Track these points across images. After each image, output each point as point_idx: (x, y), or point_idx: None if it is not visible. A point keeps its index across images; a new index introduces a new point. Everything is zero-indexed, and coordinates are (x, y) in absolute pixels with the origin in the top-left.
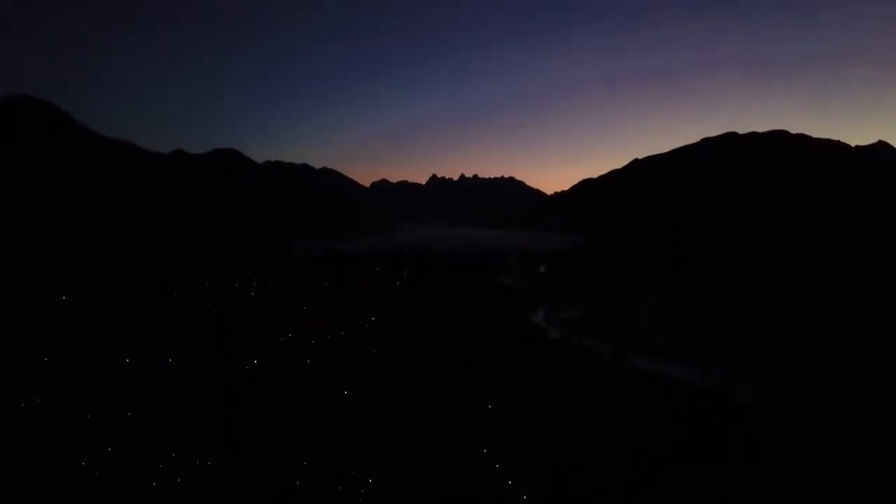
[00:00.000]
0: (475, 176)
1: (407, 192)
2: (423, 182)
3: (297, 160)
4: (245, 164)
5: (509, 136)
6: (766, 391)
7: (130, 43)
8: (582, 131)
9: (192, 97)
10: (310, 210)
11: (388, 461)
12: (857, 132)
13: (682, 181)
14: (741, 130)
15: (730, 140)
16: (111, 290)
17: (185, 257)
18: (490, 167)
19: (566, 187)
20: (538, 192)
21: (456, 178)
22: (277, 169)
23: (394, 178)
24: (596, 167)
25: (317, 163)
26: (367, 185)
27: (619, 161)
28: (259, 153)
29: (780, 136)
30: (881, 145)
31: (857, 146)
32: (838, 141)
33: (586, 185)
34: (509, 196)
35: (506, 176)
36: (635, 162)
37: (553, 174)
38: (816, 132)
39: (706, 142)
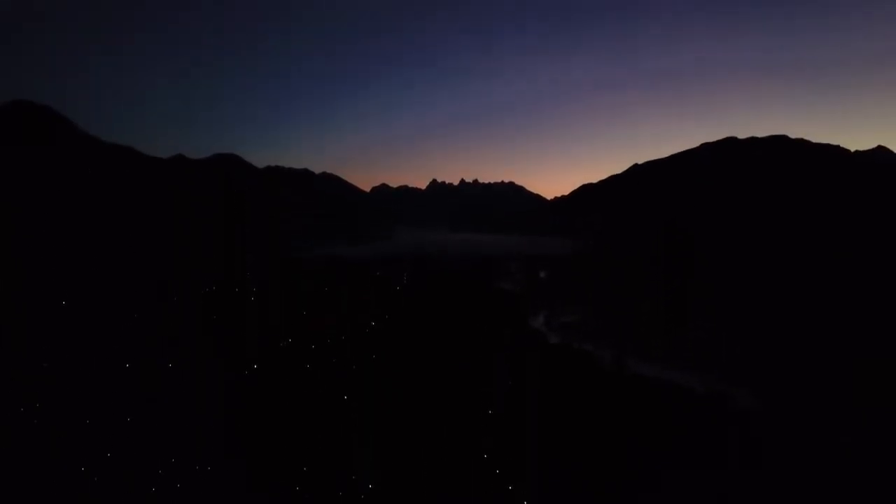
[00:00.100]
0: (475, 181)
1: (407, 197)
2: (423, 187)
3: (298, 165)
4: (245, 169)
5: (509, 142)
6: (766, 395)
7: (131, 49)
8: (582, 136)
9: (192, 102)
10: (310, 215)
11: (389, 466)
12: (856, 137)
13: (682, 186)
14: (741, 135)
15: (729, 145)
16: (111, 294)
17: (185, 262)
18: (490, 172)
19: (566, 192)
20: (538, 197)
21: (456, 182)
22: (277, 174)
23: (394, 182)
24: (596, 172)
25: (317, 167)
26: (368, 189)
27: (618, 166)
28: (259, 158)
29: (779, 140)
30: (881, 150)
31: (856, 151)
32: (838, 146)
33: (586, 189)
34: (509, 201)
35: (506, 181)
36: (635, 167)
37: (553, 179)
38: (816, 137)
39: (706, 147)
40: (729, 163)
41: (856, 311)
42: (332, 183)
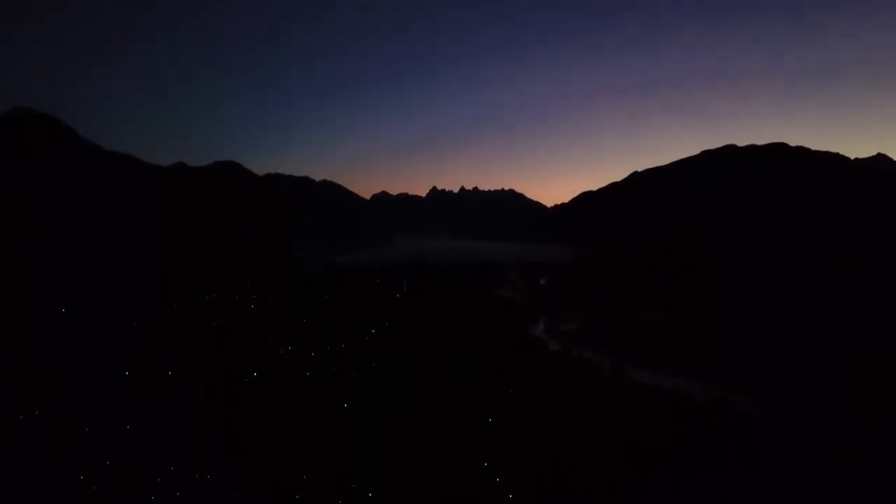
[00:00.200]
0: (475, 188)
1: (407, 205)
2: (424, 194)
3: (298, 172)
4: (245, 177)
5: (509, 149)
6: (766, 401)
7: (131, 57)
8: (581, 144)
9: (193, 110)
10: (310, 222)
11: (388, 474)
12: (856, 145)
13: (682, 194)
14: (740, 143)
15: (729, 152)
16: (111, 301)
17: (185, 269)
18: (490, 180)
19: (566, 200)
20: (538, 205)
21: (456, 190)
22: (278, 181)
23: (394, 190)
24: (595, 180)
25: (317, 175)
26: (368, 197)
27: (618, 174)
28: (259, 166)
29: (779, 148)
30: (880, 158)
31: (856, 159)
32: (837, 153)
33: (586, 197)
34: (509, 208)
35: (506, 188)
36: (635, 174)
37: (553, 187)
38: (816, 144)
39: (706, 154)
40: (729, 170)
41: (856, 317)
42: (333, 190)
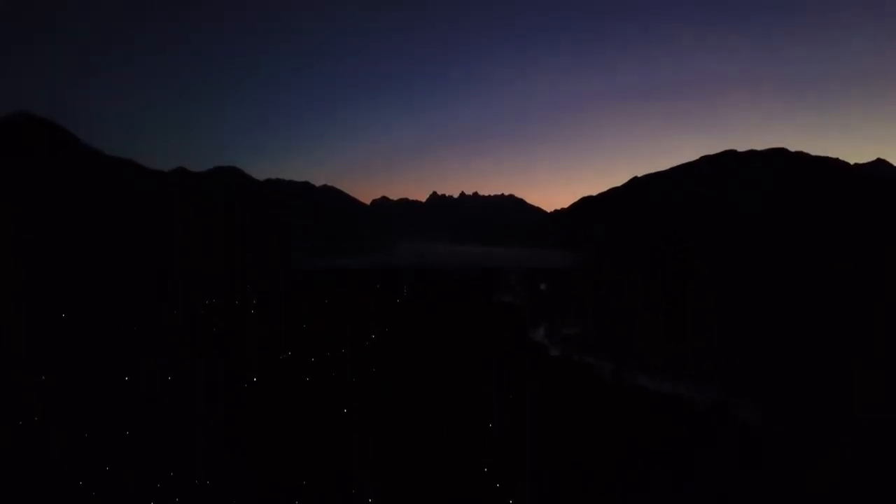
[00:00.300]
0: (475, 194)
1: (407, 210)
2: (424, 199)
3: (298, 178)
4: (246, 182)
5: (509, 155)
6: (766, 404)
7: (132, 62)
8: (581, 149)
9: (193, 115)
10: (310, 227)
11: (389, 480)
12: (856, 150)
13: (682, 199)
14: (740, 148)
15: (729, 158)
16: (112, 306)
17: (186, 274)
18: (490, 185)
19: (566, 205)
20: (538, 210)
21: (456, 195)
22: (278, 186)
23: (394, 195)
24: (595, 185)
25: (317, 180)
26: (368, 202)
27: (618, 179)
28: (260, 171)
29: (779, 153)
30: (880, 163)
31: (855, 164)
32: (837, 158)
33: (586, 202)
34: (509, 214)
35: (506, 194)
36: (634, 180)
37: (553, 192)
38: (815, 150)
39: (705, 159)
40: (728, 176)
41: (855, 320)
42: (333, 195)
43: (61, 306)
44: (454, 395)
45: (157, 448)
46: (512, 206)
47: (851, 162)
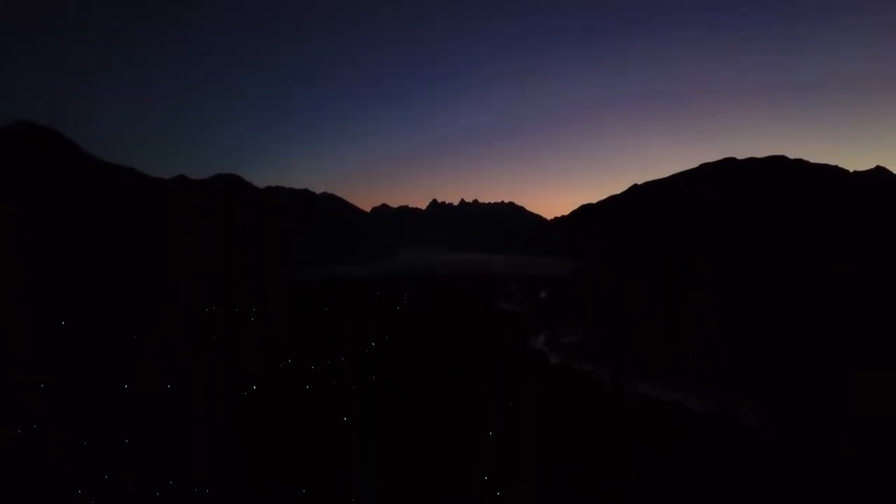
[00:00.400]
0: (475, 201)
1: (407, 217)
2: (424, 207)
3: (298, 185)
4: (246, 190)
5: (509, 162)
6: (766, 409)
7: (133, 69)
8: (581, 157)
9: (193, 123)
10: (311, 235)
11: (389, 488)
12: (855, 157)
13: (682, 206)
14: (740, 156)
15: (728, 165)
16: (112, 313)
17: (186, 281)
18: (490, 192)
19: (566, 212)
20: (538, 217)
21: (456, 202)
22: (278, 194)
23: (394, 202)
24: (595, 192)
25: (318, 188)
26: (368, 209)
27: (618, 186)
28: (260, 178)
29: (778, 161)
30: (880, 170)
31: (855, 171)
32: (836, 166)
33: (586, 210)
34: (509, 221)
35: (506, 201)
36: (634, 187)
37: (553, 199)
38: (815, 157)
39: (705, 167)
40: (728, 183)
41: (857, 330)
42: (333, 203)
43: (62, 313)
44: (454, 403)
45: (157, 456)
46: (512, 214)
47: (851, 169)
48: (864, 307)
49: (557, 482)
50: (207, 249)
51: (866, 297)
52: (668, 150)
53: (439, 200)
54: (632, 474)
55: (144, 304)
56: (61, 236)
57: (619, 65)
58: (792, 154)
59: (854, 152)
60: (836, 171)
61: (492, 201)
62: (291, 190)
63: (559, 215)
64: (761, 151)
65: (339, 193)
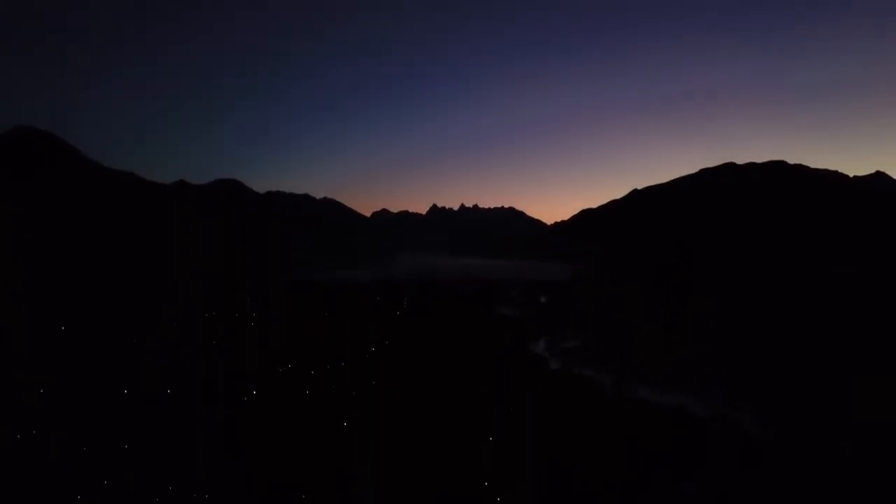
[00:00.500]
0: (475, 206)
1: (407, 222)
2: (424, 212)
3: (298, 190)
4: (246, 194)
5: (509, 167)
6: (767, 414)
7: (132, 75)
8: (581, 162)
9: (193, 128)
10: (310, 240)
11: (389, 493)
12: (855, 162)
13: (682, 211)
14: (740, 160)
15: (728, 170)
16: (111, 318)
17: (186, 286)
18: (490, 197)
19: (566, 217)
20: (538, 222)
21: (456, 207)
22: (278, 199)
23: (394, 207)
24: (595, 197)
25: (317, 192)
26: (368, 214)
27: (618, 191)
28: (260, 183)
29: (778, 166)
30: (880, 175)
31: (855, 176)
32: (836, 171)
33: (586, 215)
34: (509, 226)
35: (506, 206)
36: (634, 192)
37: (553, 204)
38: (815, 162)
39: (705, 172)
40: (728, 188)
41: (857, 337)
42: (333, 208)
43: (62, 318)
44: (454, 408)
45: (156, 461)
46: (512, 218)
47: (851, 174)
48: (864, 312)
49: (558, 488)
50: (207, 254)
51: (866, 301)
52: (668, 154)
53: (439, 205)
54: (631, 475)
55: (145, 310)
56: (61, 242)
57: (619, 69)
58: (792, 159)
59: (854, 157)
60: (836, 175)
61: (492, 206)
62: (291, 194)
63: (559, 220)
64: (761, 156)
65: (339, 198)
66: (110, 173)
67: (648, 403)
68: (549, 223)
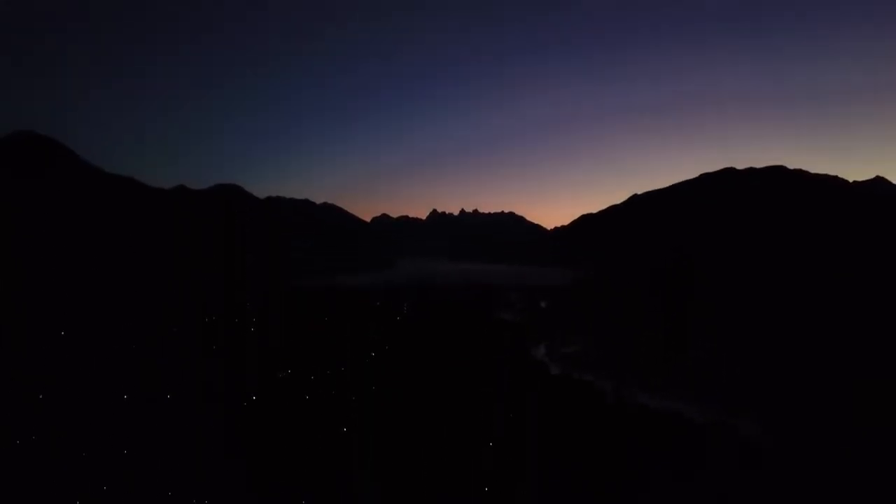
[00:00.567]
0: (475, 211)
1: (407, 227)
2: (424, 217)
3: (299, 195)
4: (246, 199)
5: (509, 172)
6: (767, 419)
7: (132, 80)
8: (581, 167)
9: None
10: (311, 245)
11: (390, 498)
12: (855, 167)
13: (682, 216)
14: (739, 166)
15: (728, 175)
16: (111, 323)
17: (186, 291)
18: (490, 202)
19: (566, 222)
20: (538, 227)
21: (456, 213)
22: (278, 204)
23: (394, 212)
24: (595, 202)
25: (318, 198)
26: (368, 219)
27: (618, 196)
28: (260, 188)
29: (777, 171)
30: (879, 180)
31: (854, 181)
32: (836, 176)
33: (586, 220)
34: (509, 231)
35: (506, 211)
36: (634, 197)
37: (553, 209)
38: (814, 167)
39: (705, 177)
40: (728, 193)
41: (856, 339)
42: (333, 213)
43: (62, 323)
44: (455, 413)
45: (155, 467)
46: (512, 224)
47: (850, 179)
48: (863, 316)
49: (558, 495)
50: (208, 259)
51: (866, 306)
52: (667, 160)
53: (439, 210)
54: (631, 479)
55: (145, 315)
56: (62, 247)
57: (620, 73)
58: (791, 164)
59: (853, 163)
60: (835, 181)
61: (492, 211)
62: (292, 200)
63: (559, 225)
64: (761, 161)
65: (340, 203)
66: (110, 178)
67: (648, 408)
68: (548, 228)
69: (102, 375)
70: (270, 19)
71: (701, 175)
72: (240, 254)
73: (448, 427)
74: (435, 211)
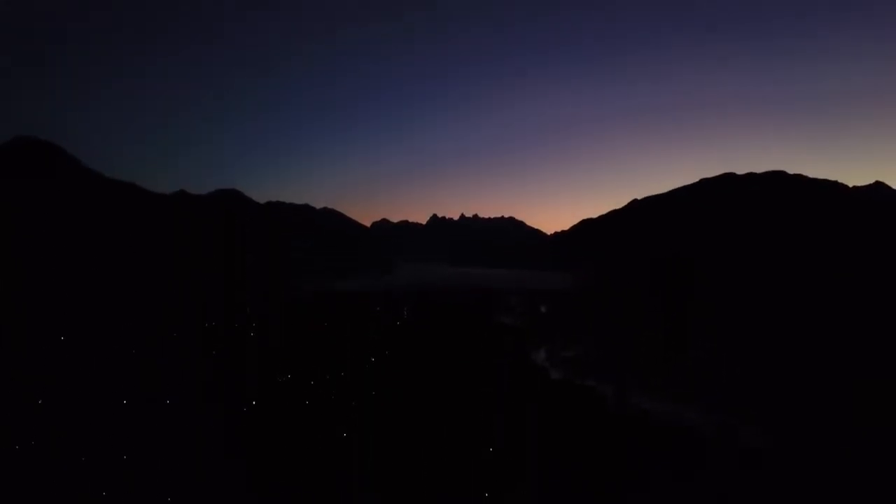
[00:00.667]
0: (475, 216)
1: (407, 232)
2: (424, 222)
3: (298, 200)
4: (246, 205)
5: (509, 177)
6: (768, 422)
7: (132, 85)
8: (581, 172)
9: (194, 138)
10: (310, 250)
11: (390, 502)
12: (854, 172)
13: (681, 221)
14: (739, 171)
15: (728, 180)
16: (112, 328)
17: (186, 296)
18: (490, 207)
19: (566, 227)
20: (538, 232)
21: (456, 217)
22: (278, 209)
23: (394, 217)
24: (595, 207)
25: (318, 203)
26: (368, 224)
27: (618, 201)
28: (260, 194)
29: (777, 176)
30: (879, 185)
31: (854, 186)
32: (836, 181)
33: (586, 224)
34: (509, 236)
35: (506, 216)
36: (634, 202)
37: (553, 214)
38: (814, 172)
39: (704, 182)
40: (727, 198)
41: (855, 341)
42: (333, 218)
43: (63, 329)
44: (455, 418)
45: (155, 473)
46: (512, 228)
47: (850, 184)
48: (863, 319)
49: (558, 499)
50: (208, 264)
51: (865, 309)
52: (667, 164)
53: (439, 215)
54: (631, 481)
55: (145, 320)
56: (63, 252)
57: (619, 78)
58: (791, 169)
59: (853, 167)
60: (835, 185)
61: (492, 216)
62: (292, 205)
63: (559, 230)
64: (761, 166)
65: (340, 208)
66: (111, 183)
67: (648, 410)
68: (549, 233)
69: (103, 379)
70: (271, 26)
71: (701, 180)
72: (240, 258)
73: (448, 431)
74: (435, 216)
